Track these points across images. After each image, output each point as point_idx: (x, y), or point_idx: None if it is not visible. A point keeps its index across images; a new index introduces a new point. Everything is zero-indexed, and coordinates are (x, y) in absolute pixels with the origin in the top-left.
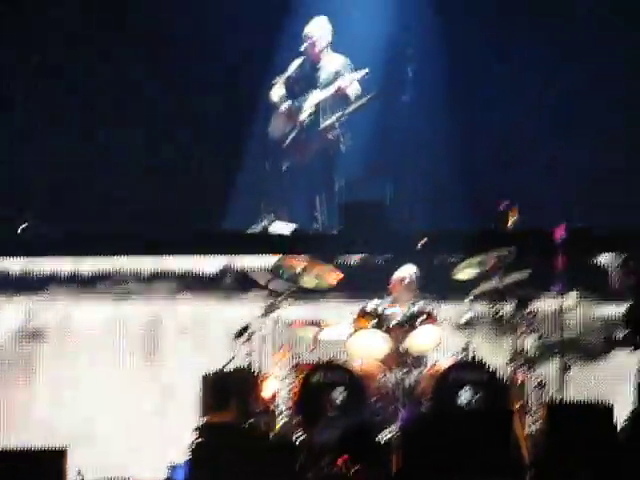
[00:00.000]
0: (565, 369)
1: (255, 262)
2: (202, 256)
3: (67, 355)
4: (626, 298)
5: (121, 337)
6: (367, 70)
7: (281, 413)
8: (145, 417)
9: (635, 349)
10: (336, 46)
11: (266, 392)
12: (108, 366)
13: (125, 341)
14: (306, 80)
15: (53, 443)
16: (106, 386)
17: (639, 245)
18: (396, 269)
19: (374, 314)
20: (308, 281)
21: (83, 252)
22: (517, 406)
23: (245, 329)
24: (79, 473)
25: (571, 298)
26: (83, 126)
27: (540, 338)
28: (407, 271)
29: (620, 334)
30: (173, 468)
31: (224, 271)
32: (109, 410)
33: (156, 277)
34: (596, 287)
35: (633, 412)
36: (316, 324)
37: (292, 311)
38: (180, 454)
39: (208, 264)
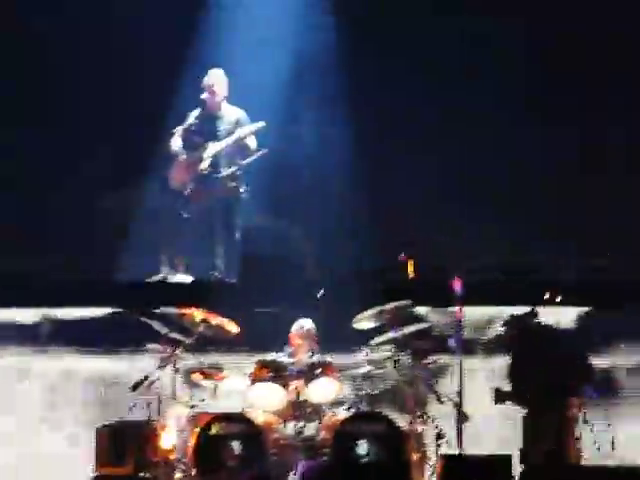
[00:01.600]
0: (463, 420)
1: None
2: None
3: None
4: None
5: None
6: (264, 123)
7: (180, 464)
8: None
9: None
10: (231, 99)
11: (164, 443)
12: None
13: None
14: (205, 130)
15: None
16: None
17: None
18: (294, 321)
19: (272, 365)
20: (207, 331)
21: None
22: (415, 457)
23: (143, 380)
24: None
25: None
26: None
27: (436, 389)
28: (305, 323)
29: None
30: None
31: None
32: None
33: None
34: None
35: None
36: (215, 375)
37: (191, 361)
38: None
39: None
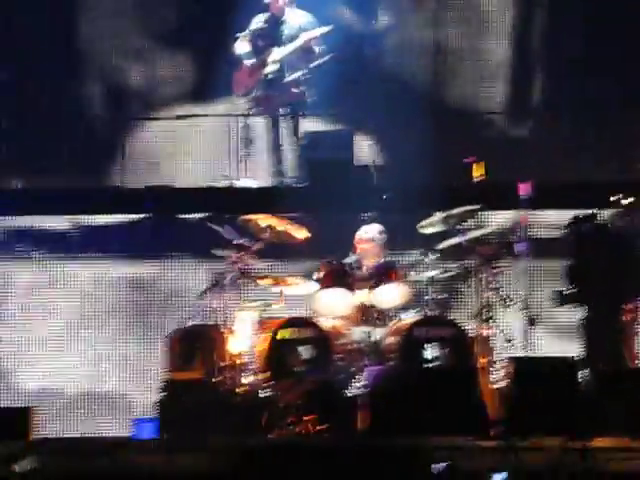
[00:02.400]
0: (531, 324)
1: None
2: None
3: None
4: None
5: None
6: (331, 27)
7: (248, 369)
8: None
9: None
10: (299, 2)
11: (232, 348)
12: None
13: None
14: (270, 34)
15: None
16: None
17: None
18: (361, 226)
19: (340, 270)
20: (274, 237)
21: None
22: (483, 362)
23: (215, 284)
24: None
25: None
26: None
27: (504, 294)
28: (372, 229)
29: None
30: (138, 424)
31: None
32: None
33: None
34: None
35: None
36: (282, 280)
37: (259, 266)
38: (145, 409)
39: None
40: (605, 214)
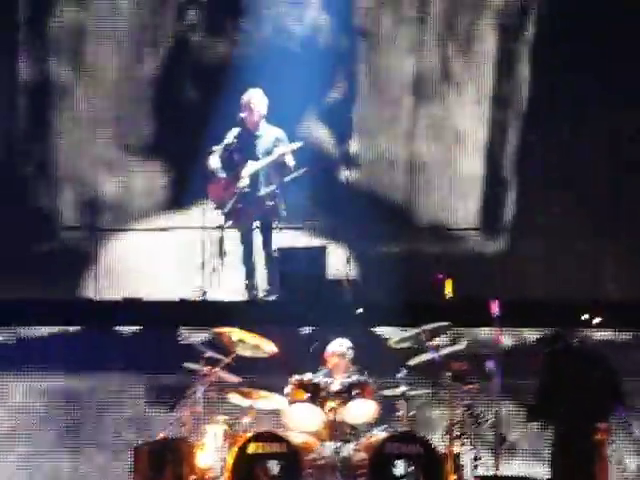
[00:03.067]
0: (500, 442)
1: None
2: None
3: None
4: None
5: None
6: (301, 143)
7: None
8: None
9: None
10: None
11: (202, 461)
12: None
13: None
14: (244, 148)
15: None
16: None
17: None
18: (331, 341)
19: (310, 385)
20: (246, 350)
21: None
22: (452, 479)
23: (183, 397)
24: None
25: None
26: None
27: (474, 411)
28: (342, 343)
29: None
30: None
31: None
32: None
33: None
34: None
35: None
36: (253, 394)
37: (228, 381)
38: None
39: None
40: (576, 333)
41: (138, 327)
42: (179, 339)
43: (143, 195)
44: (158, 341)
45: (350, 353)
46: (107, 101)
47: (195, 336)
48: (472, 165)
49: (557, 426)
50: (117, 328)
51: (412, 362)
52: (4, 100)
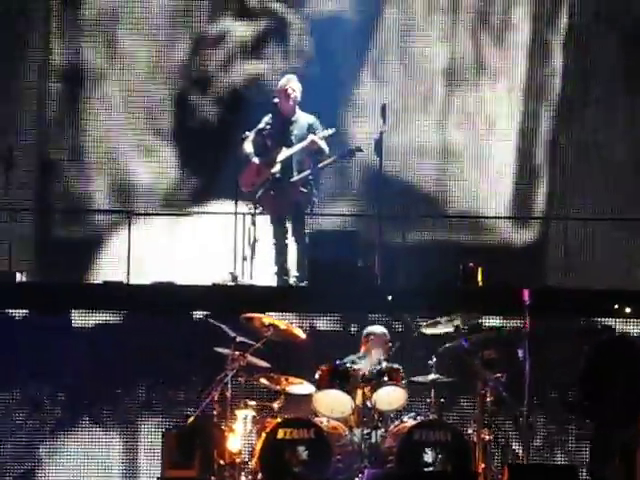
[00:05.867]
0: (529, 430)
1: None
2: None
3: None
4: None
5: None
6: (334, 130)
7: (247, 468)
8: None
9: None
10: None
11: (232, 446)
12: None
13: None
14: (279, 134)
15: None
16: None
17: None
18: (365, 327)
19: (341, 371)
20: (277, 335)
21: None
22: (481, 467)
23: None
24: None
25: None
26: None
27: (504, 398)
28: (375, 329)
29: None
30: None
31: None
32: None
33: None
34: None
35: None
36: (283, 379)
37: (259, 365)
38: None
39: None
40: (619, 325)
41: (168, 311)
42: (210, 324)
43: (175, 181)
44: (189, 326)
45: (384, 340)
46: (139, 86)
47: (226, 321)
48: (504, 154)
49: (597, 418)
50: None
51: (442, 349)
52: (37, 85)
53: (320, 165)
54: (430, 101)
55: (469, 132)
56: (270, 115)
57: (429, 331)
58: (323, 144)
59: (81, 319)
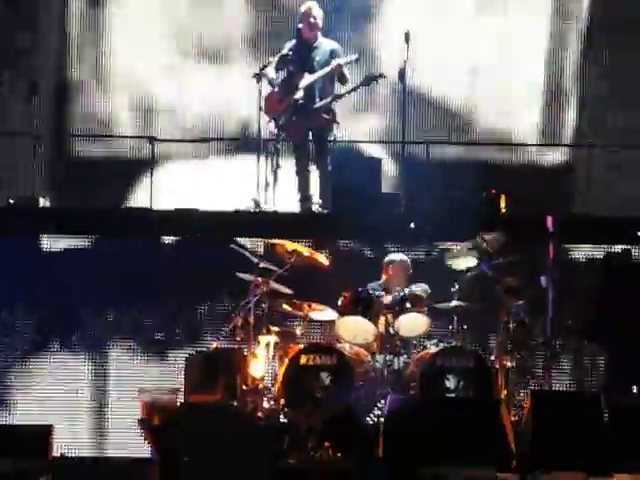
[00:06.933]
0: (553, 357)
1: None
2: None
3: None
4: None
5: None
6: (357, 55)
7: (269, 393)
8: None
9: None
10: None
11: (255, 371)
12: None
13: None
14: (301, 60)
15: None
16: None
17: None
18: (387, 254)
19: (363, 297)
20: (300, 262)
21: None
22: (504, 394)
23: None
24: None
25: None
26: None
27: (526, 326)
28: (398, 256)
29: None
30: None
31: None
32: None
33: None
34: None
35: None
36: (306, 305)
37: (282, 291)
38: None
39: None
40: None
41: (193, 237)
42: (233, 249)
43: (199, 101)
44: (212, 251)
45: (407, 266)
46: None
47: (249, 247)
48: (534, 76)
49: (612, 343)
50: (171, 238)
51: (465, 276)
52: (56, 5)
53: (343, 91)
54: (459, 22)
55: (499, 53)
56: (293, 41)
57: (452, 262)
58: (346, 70)
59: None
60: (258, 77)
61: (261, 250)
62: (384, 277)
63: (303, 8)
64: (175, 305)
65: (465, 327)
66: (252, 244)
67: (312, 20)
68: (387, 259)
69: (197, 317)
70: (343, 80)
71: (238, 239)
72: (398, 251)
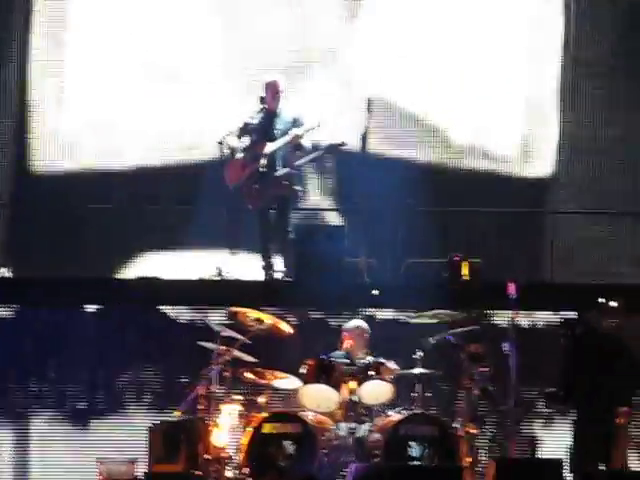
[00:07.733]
0: (515, 424)
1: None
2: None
3: None
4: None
5: None
6: (319, 123)
7: (232, 462)
8: None
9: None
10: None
11: (217, 441)
12: None
13: None
14: (263, 128)
15: None
16: None
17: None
18: (349, 321)
19: (326, 366)
20: (262, 330)
21: None
22: (467, 461)
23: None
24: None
25: None
26: None
27: (489, 393)
28: (359, 323)
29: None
30: None
31: None
32: None
33: None
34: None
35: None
36: (269, 374)
37: (246, 359)
38: None
39: None
40: (596, 317)
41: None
42: (195, 318)
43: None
44: (174, 320)
45: (367, 333)
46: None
47: (211, 315)
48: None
49: (577, 410)
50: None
51: (428, 343)
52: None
53: (302, 161)
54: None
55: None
56: (256, 109)
57: (416, 320)
58: (305, 139)
59: None
60: (220, 145)
61: (224, 318)
62: (344, 345)
63: (269, 79)
64: (136, 374)
65: (429, 394)
66: (215, 312)
67: (277, 93)
68: (347, 327)
69: (160, 386)
70: (300, 150)
71: (201, 307)
72: (352, 318)
